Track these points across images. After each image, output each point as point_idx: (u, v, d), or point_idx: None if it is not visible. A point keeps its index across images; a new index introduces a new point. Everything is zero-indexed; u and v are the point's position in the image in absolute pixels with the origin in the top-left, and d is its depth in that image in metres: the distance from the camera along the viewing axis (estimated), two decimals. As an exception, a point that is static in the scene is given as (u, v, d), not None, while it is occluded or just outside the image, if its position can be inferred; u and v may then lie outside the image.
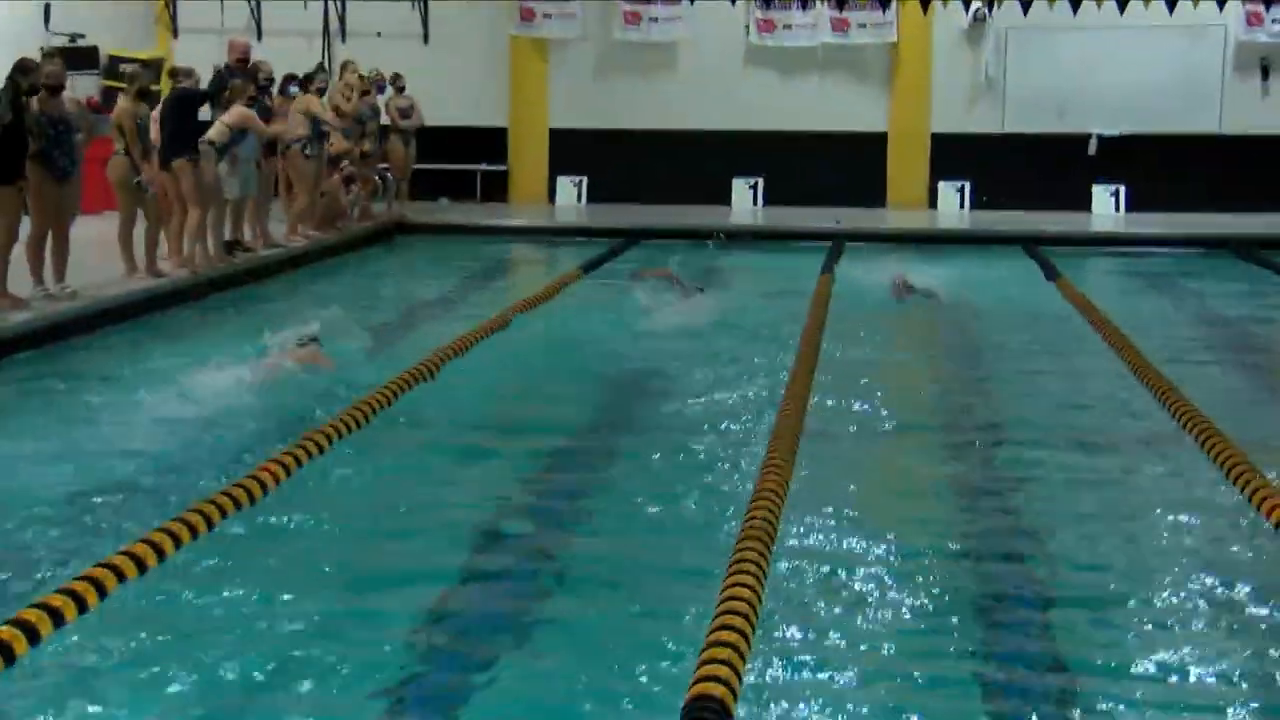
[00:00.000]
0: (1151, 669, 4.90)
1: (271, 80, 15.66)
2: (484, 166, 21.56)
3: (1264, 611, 5.47)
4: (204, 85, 14.36)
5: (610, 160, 21.24)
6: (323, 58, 20.93)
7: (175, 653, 4.91)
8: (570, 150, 21.45)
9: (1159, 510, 6.70)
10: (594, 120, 21.31)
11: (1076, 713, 4.57)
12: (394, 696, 4.67)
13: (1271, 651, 5.06)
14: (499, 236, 18.69)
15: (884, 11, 19.74)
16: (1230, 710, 4.61)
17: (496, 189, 21.61)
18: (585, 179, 21.53)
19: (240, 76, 14.66)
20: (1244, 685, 4.80)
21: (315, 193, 16.24)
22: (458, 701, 4.68)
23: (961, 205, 20.81)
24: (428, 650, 5.05)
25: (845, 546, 6.19)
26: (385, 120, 18.59)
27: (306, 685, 4.76)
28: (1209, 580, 5.76)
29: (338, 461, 7.24)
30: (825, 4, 20.11)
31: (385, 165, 18.42)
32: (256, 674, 4.80)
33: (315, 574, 5.77)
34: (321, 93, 16.13)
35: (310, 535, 6.25)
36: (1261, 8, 19.59)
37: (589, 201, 21.47)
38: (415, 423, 8.28)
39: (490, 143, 21.56)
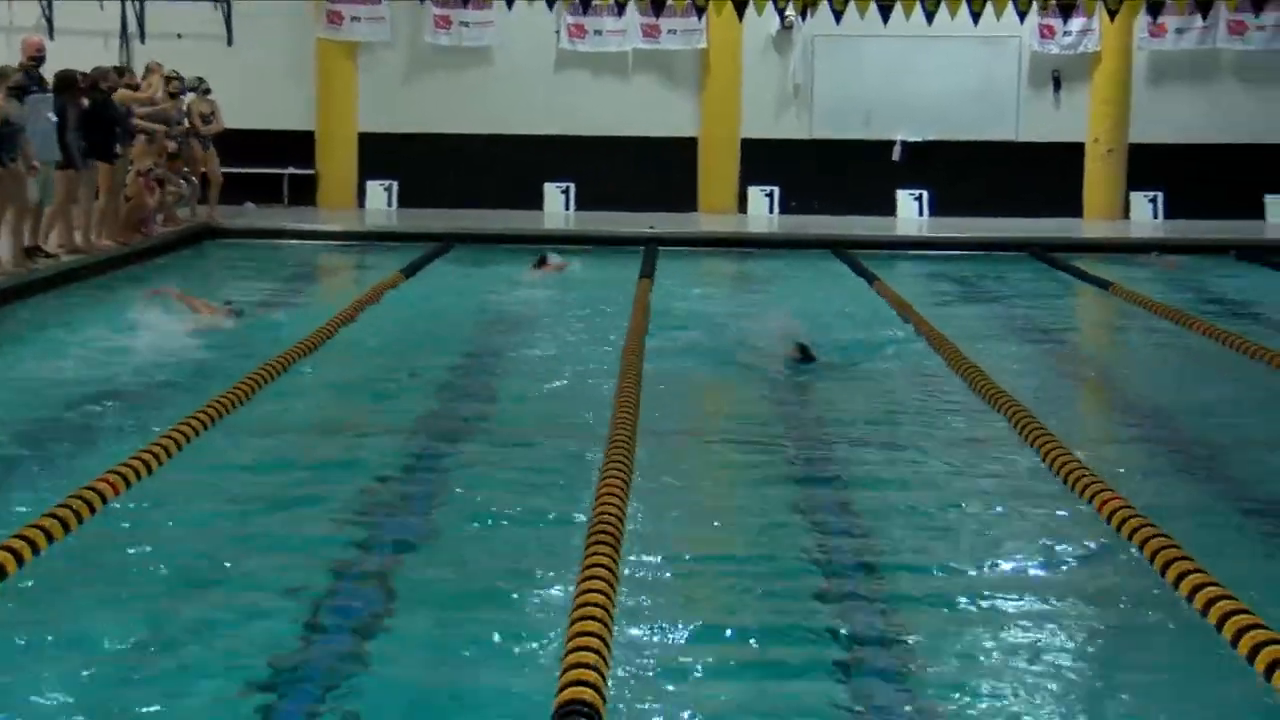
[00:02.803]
0: (985, 655, 5.06)
1: (113, 89, 15.20)
2: (291, 170, 21.16)
3: (1089, 594, 5.69)
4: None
5: (421, 164, 21.04)
6: (120, 59, 20.28)
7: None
8: (380, 154, 21.18)
9: (988, 502, 6.95)
10: (405, 124, 21.09)
11: (913, 693, 4.71)
12: (240, 707, 4.54)
13: (1095, 636, 5.28)
14: (312, 241, 18.40)
15: (699, 18, 19.96)
16: (1058, 687, 4.81)
17: (304, 193, 21.21)
18: (396, 183, 21.30)
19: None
20: (1070, 667, 5.02)
21: (118, 195, 15.75)
22: (306, 712, 4.57)
23: (771, 210, 21.16)
24: (275, 659, 4.92)
25: (686, 542, 6.27)
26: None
27: (148, 698, 4.61)
28: (1036, 567, 6.00)
29: (175, 473, 7.04)
30: (637, 10, 20.23)
31: (188, 169, 17.96)
32: (88, 692, 4.63)
33: (154, 585, 5.62)
34: (133, 89, 15.67)
35: (149, 547, 6.06)
36: (1054, 20, 20.37)
37: (400, 206, 21.25)
38: (252, 430, 8.12)
39: (297, 146, 21.16)
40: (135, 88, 16.01)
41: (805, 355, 10.11)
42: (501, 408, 9.18)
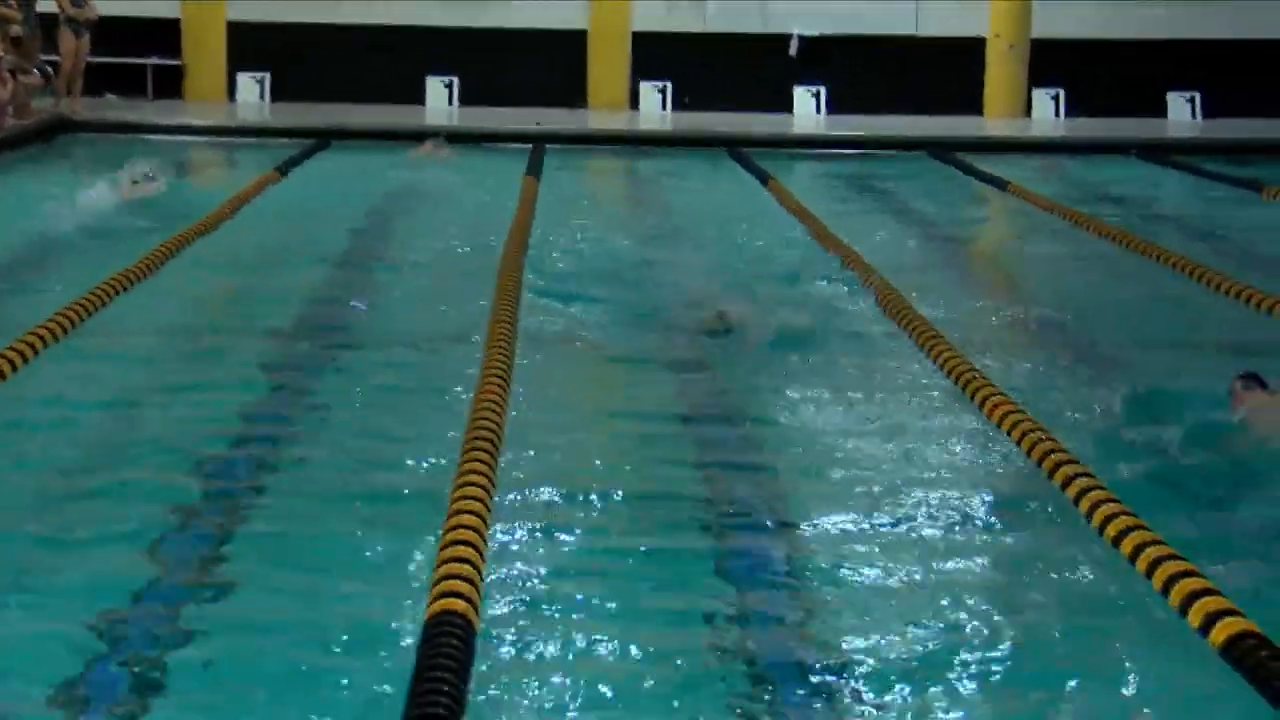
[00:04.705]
0: (881, 577, 5.05)
1: None
2: (155, 60, 20.61)
3: (988, 513, 5.74)
4: None
5: (296, 56, 20.61)
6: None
7: None
8: (252, 44, 20.70)
9: (884, 412, 6.98)
10: (277, 13, 20.59)
11: (804, 612, 4.74)
12: (99, 609, 4.52)
13: (1000, 556, 5.32)
14: (179, 136, 17.99)
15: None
16: (959, 609, 4.82)
17: (170, 85, 20.69)
18: (268, 75, 20.87)
19: None
20: (972, 585, 5.07)
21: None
22: (172, 626, 4.51)
23: (664, 106, 21.04)
24: (136, 565, 4.91)
25: (569, 450, 6.28)
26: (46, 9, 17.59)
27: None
28: (932, 483, 5.99)
29: (30, 382, 6.90)
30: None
31: (49, 58, 17.44)
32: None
33: (9, 492, 5.55)
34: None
35: (5, 454, 6.00)
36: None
37: (273, 100, 20.85)
38: (114, 334, 8.01)
39: (161, 34, 20.61)
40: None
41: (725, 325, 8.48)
42: (377, 312, 9.11)
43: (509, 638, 4.35)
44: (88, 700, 4.00)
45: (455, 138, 17.68)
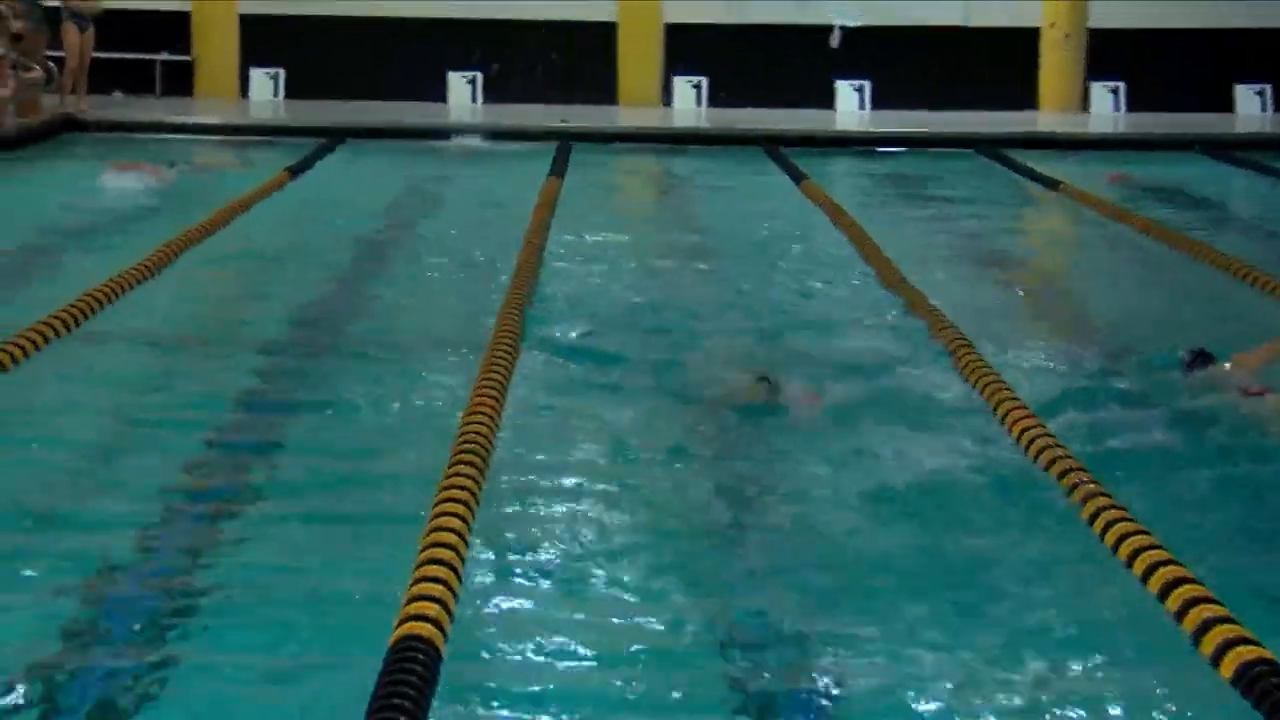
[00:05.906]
0: (884, 595, 4.96)
1: None
2: (164, 56, 20.75)
3: (1004, 523, 5.64)
4: None
5: (311, 51, 20.70)
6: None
7: None
8: (265, 39, 20.83)
9: (908, 425, 6.81)
10: (292, 6, 20.70)
11: (792, 613, 4.70)
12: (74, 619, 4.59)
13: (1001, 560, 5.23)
14: (187, 135, 18.08)
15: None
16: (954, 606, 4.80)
17: (180, 82, 20.83)
18: (283, 71, 20.97)
19: None
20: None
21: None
22: (155, 622, 4.62)
23: (699, 102, 21.00)
24: (118, 577, 4.98)
25: (561, 466, 6.20)
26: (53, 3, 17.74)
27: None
28: (953, 499, 5.87)
29: (27, 378, 7.09)
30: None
31: (54, 54, 17.58)
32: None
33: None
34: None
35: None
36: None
37: (288, 96, 20.95)
38: (114, 337, 8.17)
39: (171, 29, 20.75)
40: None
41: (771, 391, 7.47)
42: (380, 318, 9.15)
43: (477, 667, 4.29)
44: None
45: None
